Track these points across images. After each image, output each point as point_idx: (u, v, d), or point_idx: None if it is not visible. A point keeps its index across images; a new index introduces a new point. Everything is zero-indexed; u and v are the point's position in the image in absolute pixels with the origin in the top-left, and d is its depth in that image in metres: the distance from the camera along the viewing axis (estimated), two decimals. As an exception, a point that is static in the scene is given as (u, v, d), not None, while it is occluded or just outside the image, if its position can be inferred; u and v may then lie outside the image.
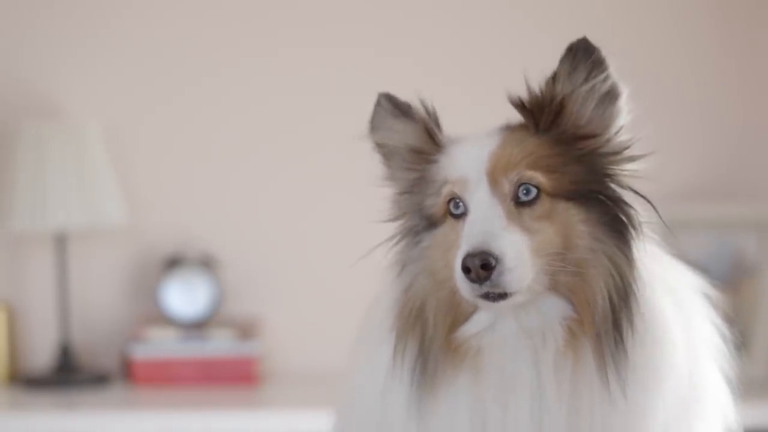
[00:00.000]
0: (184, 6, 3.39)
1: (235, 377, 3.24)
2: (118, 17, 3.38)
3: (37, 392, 3.20)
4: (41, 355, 3.36)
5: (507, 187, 1.44)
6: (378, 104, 1.55)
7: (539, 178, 1.44)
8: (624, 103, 1.46)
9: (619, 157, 1.46)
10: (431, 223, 1.49)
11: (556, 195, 1.44)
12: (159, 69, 3.38)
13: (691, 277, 1.53)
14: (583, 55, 1.45)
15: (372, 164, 1.57)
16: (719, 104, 3.41)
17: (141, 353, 3.24)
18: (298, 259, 3.40)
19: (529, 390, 1.43)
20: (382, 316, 1.52)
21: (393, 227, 1.53)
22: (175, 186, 3.40)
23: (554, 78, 1.47)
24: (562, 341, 1.43)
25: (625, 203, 1.44)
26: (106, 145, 3.28)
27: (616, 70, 1.45)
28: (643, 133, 1.47)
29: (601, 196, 1.44)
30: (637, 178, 1.46)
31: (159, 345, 3.25)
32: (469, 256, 1.38)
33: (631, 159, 1.46)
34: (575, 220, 1.43)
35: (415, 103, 1.53)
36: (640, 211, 1.45)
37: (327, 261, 3.38)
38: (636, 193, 1.45)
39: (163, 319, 3.29)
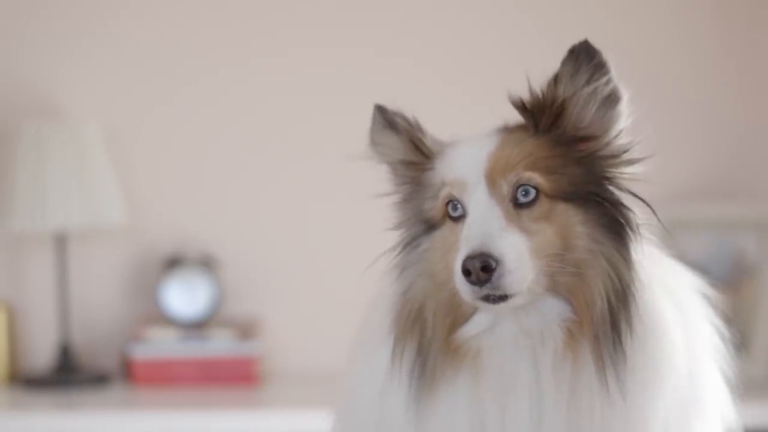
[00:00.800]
0: (184, 6, 3.39)
1: (235, 377, 3.24)
2: (118, 17, 3.38)
3: (37, 392, 3.20)
4: (41, 355, 3.36)
5: (505, 188, 1.44)
6: (373, 118, 1.55)
7: (538, 179, 1.43)
8: (624, 107, 1.46)
9: (618, 160, 1.46)
10: (430, 226, 1.49)
11: (554, 196, 1.44)
12: (159, 69, 3.38)
13: (690, 277, 1.53)
14: (585, 58, 1.45)
15: (371, 166, 1.56)
16: (719, 104, 3.41)
17: (141, 353, 3.24)
18: (298, 259, 3.40)
19: (528, 391, 1.43)
20: (381, 318, 1.51)
21: (395, 234, 1.53)
22: (175, 186, 3.40)
23: (556, 79, 1.46)
24: (561, 342, 1.43)
25: (624, 205, 1.44)
26: (105, 145, 3.28)
27: (616, 72, 1.45)
28: (643, 134, 1.47)
29: (600, 198, 1.44)
30: (636, 180, 1.45)
31: (159, 345, 3.25)
32: (469, 258, 1.38)
33: (630, 162, 1.46)
34: (574, 221, 1.43)
35: (400, 115, 1.52)
36: (638, 213, 1.45)
37: (327, 261, 3.38)
38: (635, 195, 1.45)
39: (163, 319, 3.29)
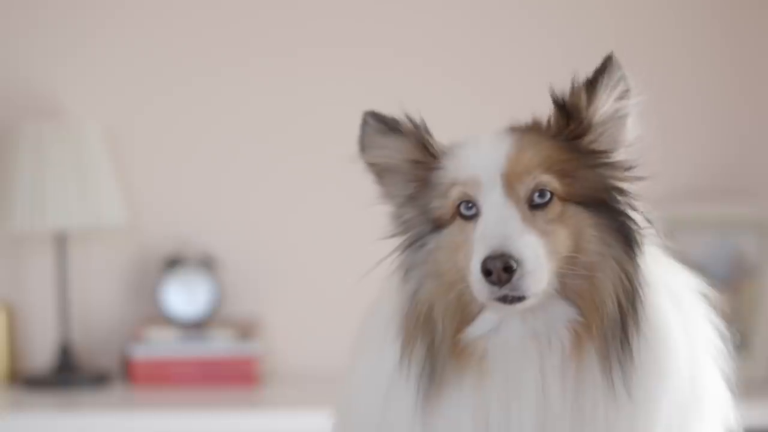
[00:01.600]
0: (184, 7, 3.39)
1: (235, 377, 3.24)
2: (117, 18, 3.38)
3: (37, 392, 3.20)
4: (41, 355, 3.36)
5: (523, 190, 1.44)
6: (365, 123, 1.54)
7: (554, 182, 1.45)
8: (635, 123, 1.48)
9: (625, 173, 1.47)
10: (437, 225, 1.49)
11: (567, 199, 1.45)
12: (159, 69, 3.38)
13: (690, 278, 1.54)
14: (619, 75, 1.47)
15: (363, 169, 1.56)
16: (719, 104, 3.41)
17: (141, 353, 3.24)
18: (298, 259, 3.40)
19: (533, 393, 1.43)
20: (386, 320, 1.51)
21: (394, 239, 1.53)
22: (175, 186, 3.40)
23: (594, 88, 1.47)
24: (569, 344, 1.43)
25: (631, 212, 1.46)
26: (105, 145, 3.28)
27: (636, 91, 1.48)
28: (645, 135, 1.48)
29: (609, 204, 1.46)
30: (640, 193, 1.48)
31: (159, 345, 3.25)
32: (490, 259, 1.39)
33: (637, 178, 1.48)
34: (585, 224, 1.45)
35: (402, 118, 1.52)
36: (643, 216, 1.46)
37: (327, 261, 3.38)
38: (636, 211, 1.46)
39: (163, 319, 3.29)
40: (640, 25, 3.39)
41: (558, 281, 1.43)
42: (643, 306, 1.43)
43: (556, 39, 3.34)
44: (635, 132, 1.49)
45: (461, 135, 1.53)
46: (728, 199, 3.36)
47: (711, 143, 3.41)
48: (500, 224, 1.42)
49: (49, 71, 3.36)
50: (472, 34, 3.39)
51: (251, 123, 3.40)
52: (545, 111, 1.51)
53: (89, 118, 3.33)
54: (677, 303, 1.48)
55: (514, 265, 1.38)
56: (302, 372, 3.35)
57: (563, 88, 1.49)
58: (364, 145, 1.54)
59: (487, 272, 1.39)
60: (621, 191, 1.46)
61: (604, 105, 1.47)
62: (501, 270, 1.38)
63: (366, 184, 1.56)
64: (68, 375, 3.25)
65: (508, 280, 1.38)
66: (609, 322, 1.42)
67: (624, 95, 1.47)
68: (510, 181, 1.45)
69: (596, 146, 1.47)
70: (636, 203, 1.47)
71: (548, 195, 1.44)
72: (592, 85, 1.47)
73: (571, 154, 1.46)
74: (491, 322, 1.46)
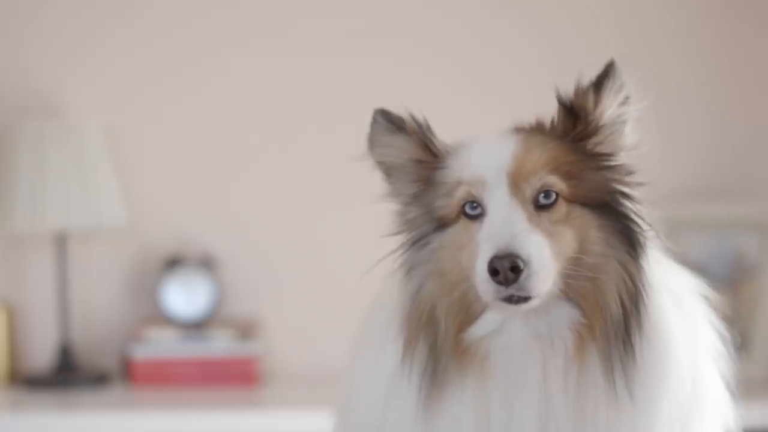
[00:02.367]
0: (185, 8, 3.39)
1: (235, 377, 3.24)
2: (118, 18, 3.38)
3: (37, 392, 3.20)
4: (41, 355, 3.36)
5: (529, 190, 1.45)
6: (374, 121, 1.54)
7: (559, 183, 1.45)
8: (634, 128, 1.49)
9: (626, 177, 1.48)
10: (441, 224, 1.49)
11: (572, 200, 1.45)
12: (158, 69, 3.38)
13: (690, 279, 1.54)
14: (621, 81, 1.48)
15: (371, 168, 1.56)
16: (719, 104, 3.41)
17: (141, 353, 3.24)
18: (298, 259, 3.40)
19: (536, 393, 1.43)
20: (388, 319, 1.51)
21: (396, 237, 1.53)
22: (175, 186, 3.40)
23: (600, 91, 1.48)
24: (572, 346, 1.43)
25: (634, 215, 1.46)
26: (106, 146, 3.27)
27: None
28: (644, 138, 1.49)
29: (612, 205, 1.46)
30: (642, 196, 1.48)
31: (159, 345, 3.25)
32: (497, 258, 1.39)
33: (638, 183, 1.48)
34: (590, 225, 1.45)
35: (407, 117, 1.52)
36: (645, 218, 1.47)
37: (327, 261, 3.38)
38: (639, 213, 1.47)
39: (163, 319, 3.29)
40: (638, 26, 3.39)
41: (562, 282, 1.43)
42: (645, 308, 1.43)
43: (556, 40, 3.34)
44: (634, 137, 1.49)
45: (466, 135, 1.53)
46: (728, 199, 3.36)
47: (710, 143, 3.41)
48: (506, 224, 1.42)
49: (50, 71, 3.36)
50: (474, 37, 3.39)
51: (251, 123, 3.39)
52: (547, 113, 1.51)
53: (89, 118, 3.33)
54: (678, 304, 1.49)
55: (522, 265, 1.38)
56: (302, 372, 3.35)
57: (567, 90, 1.49)
58: (372, 144, 1.54)
59: (494, 272, 1.39)
60: (624, 194, 1.47)
61: (609, 108, 1.48)
62: (508, 270, 1.38)
63: (366, 184, 1.56)
64: (68, 375, 3.25)
65: (515, 280, 1.39)
66: (612, 323, 1.43)
67: (625, 101, 1.48)
68: (516, 181, 1.45)
69: (601, 149, 1.48)
70: (639, 206, 1.47)
71: (553, 196, 1.45)
72: (598, 87, 1.48)
73: (576, 156, 1.47)
74: (494, 322, 1.46)
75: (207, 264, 3.31)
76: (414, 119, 1.52)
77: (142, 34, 3.38)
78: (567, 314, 1.45)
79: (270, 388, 3.25)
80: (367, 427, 1.51)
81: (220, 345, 3.25)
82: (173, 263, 3.30)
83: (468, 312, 1.47)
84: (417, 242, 1.50)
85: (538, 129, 1.50)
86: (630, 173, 1.48)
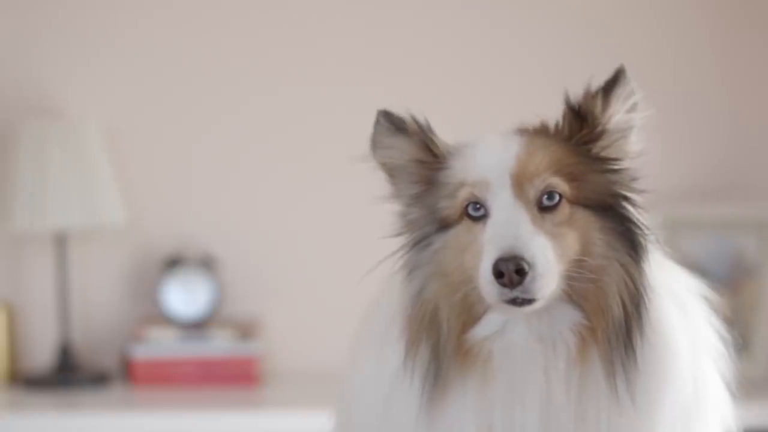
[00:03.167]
0: (185, 6, 3.39)
1: (235, 377, 3.24)
2: (118, 17, 3.38)
3: (37, 392, 3.20)
4: (41, 355, 3.36)
5: (532, 192, 1.44)
6: (377, 122, 1.54)
7: (563, 185, 1.45)
8: (640, 135, 1.50)
9: (630, 183, 1.48)
10: (443, 225, 1.49)
11: (575, 202, 1.45)
12: (158, 69, 3.38)
13: (690, 280, 1.54)
14: (630, 87, 1.48)
15: (372, 167, 1.56)
16: (719, 105, 3.41)
17: (141, 353, 3.24)
18: (298, 259, 3.40)
19: (538, 395, 1.43)
20: (389, 320, 1.51)
21: (397, 237, 1.52)
22: (175, 186, 3.40)
23: (609, 96, 1.48)
24: (574, 348, 1.43)
25: (637, 218, 1.47)
26: (105, 145, 3.28)
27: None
28: (647, 144, 1.50)
29: (615, 209, 1.46)
30: (645, 201, 1.49)
31: (159, 345, 3.25)
32: (502, 260, 1.38)
33: (641, 190, 1.48)
34: (593, 227, 1.45)
35: (408, 118, 1.52)
36: (647, 221, 1.47)
37: (327, 261, 3.38)
38: (641, 217, 1.47)
39: (163, 319, 3.29)
40: (640, 26, 3.39)
41: (565, 284, 1.43)
42: (647, 310, 1.44)
43: (557, 42, 3.34)
44: (639, 145, 1.49)
45: (468, 136, 1.53)
46: (728, 199, 3.36)
47: (711, 144, 3.41)
48: (511, 226, 1.42)
49: (50, 71, 3.35)
50: (477, 38, 3.39)
51: (251, 123, 3.39)
52: (550, 114, 1.51)
53: (89, 118, 3.33)
54: (679, 306, 1.49)
55: (526, 268, 1.38)
56: (302, 372, 3.35)
57: (574, 93, 1.49)
58: (375, 145, 1.54)
59: (498, 274, 1.39)
60: (627, 198, 1.47)
61: (617, 114, 1.48)
62: (513, 272, 1.38)
63: (366, 184, 1.56)
64: (68, 375, 3.25)
65: (520, 282, 1.38)
66: (614, 326, 1.43)
67: (633, 108, 1.48)
68: (519, 183, 1.44)
69: (607, 153, 1.48)
70: (641, 209, 1.47)
71: (557, 197, 1.44)
72: (607, 93, 1.48)
73: (580, 158, 1.47)
74: (496, 324, 1.46)
75: (207, 264, 3.31)
76: (415, 120, 1.52)
77: (143, 34, 3.38)
78: (569, 316, 1.45)
79: (270, 388, 3.25)
80: (368, 428, 1.51)
81: (220, 345, 3.25)
82: (173, 263, 3.30)
83: (470, 313, 1.46)
84: (419, 243, 1.50)
85: (541, 131, 1.50)
86: (634, 179, 1.48)
